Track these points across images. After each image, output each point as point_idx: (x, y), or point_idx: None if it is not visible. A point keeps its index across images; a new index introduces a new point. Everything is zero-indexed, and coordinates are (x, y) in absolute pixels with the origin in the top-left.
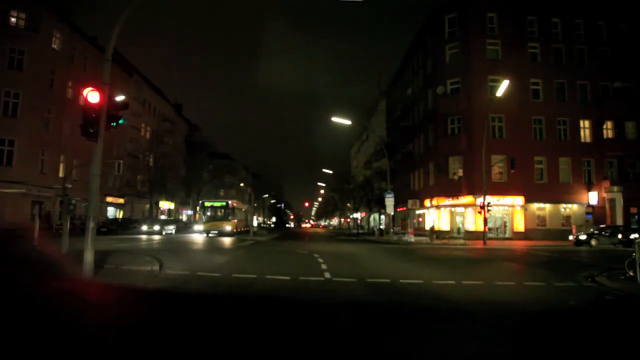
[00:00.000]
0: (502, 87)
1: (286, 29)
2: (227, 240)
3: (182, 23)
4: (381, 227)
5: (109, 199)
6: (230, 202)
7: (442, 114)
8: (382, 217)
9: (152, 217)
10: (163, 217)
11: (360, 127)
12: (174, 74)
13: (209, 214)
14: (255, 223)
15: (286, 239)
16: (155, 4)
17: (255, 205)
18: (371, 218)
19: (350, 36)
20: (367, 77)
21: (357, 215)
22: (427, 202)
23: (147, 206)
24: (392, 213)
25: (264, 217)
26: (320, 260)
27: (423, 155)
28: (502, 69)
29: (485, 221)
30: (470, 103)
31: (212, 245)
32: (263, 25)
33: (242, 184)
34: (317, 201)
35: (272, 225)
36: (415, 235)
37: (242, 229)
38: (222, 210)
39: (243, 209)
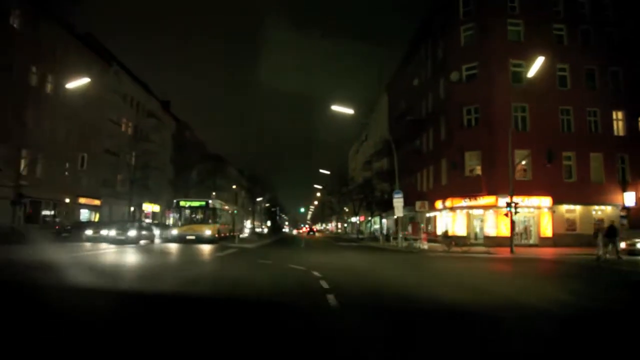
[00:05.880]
0: (536, 66)
1: (284, 26)
2: (204, 249)
3: (180, 23)
4: (385, 232)
5: (82, 200)
6: (210, 201)
7: (457, 103)
8: (384, 221)
9: (110, 220)
10: (148, 220)
11: (362, 122)
12: (173, 75)
13: (185, 215)
14: (248, 227)
15: (278, 246)
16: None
17: (250, 209)
18: (371, 222)
19: (350, 34)
20: (367, 76)
21: (356, 219)
22: (438, 204)
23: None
24: (402, 215)
25: (260, 222)
26: (325, 285)
27: (433, 151)
28: (525, 52)
29: (513, 225)
30: (490, 90)
31: (176, 256)
32: (262, 22)
33: (234, 186)
34: (312, 205)
35: (266, 230)
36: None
37: (228, 234)
38: (201, 212)
39: (229, 211)
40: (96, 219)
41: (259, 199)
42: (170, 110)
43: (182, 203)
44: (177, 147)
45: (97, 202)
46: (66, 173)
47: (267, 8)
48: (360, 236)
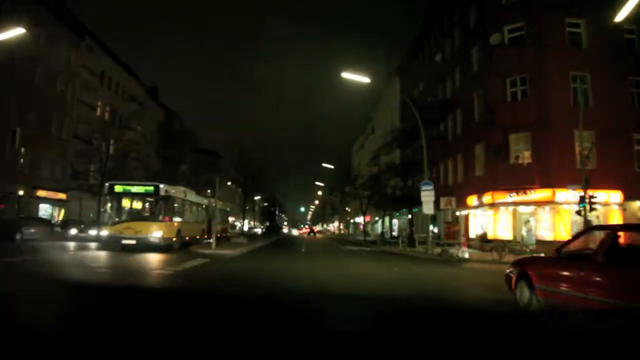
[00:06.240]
0: (630, 5)
1: (284, 27)
2: (147, 261)
3: (179, 24)
4: (408, 233)
5: (42, 193)
6: (162, 186)
7: (499, 71)
8: (395, 221)
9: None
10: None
11: (378, 84)
12: (173, 75)
13: (123, 207)
14: (246, 227)
15: (271, 252)
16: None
17: (247, 207)
18: (382, 222)
19: (351, 34)
20: (370, 71)
21: (361, 219)
22: (471, 200)
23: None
24: (432, 212)
25: (254, 221)
26: None
27: (463, 136)
28: (584, 8)
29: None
30: (541, 56)
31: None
32: (262, 22)
33: (229, 183)
34: (313, 205)
35: (263, 230)
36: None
37: (200, 236)
38: (148, 201)
39: (203, 205)
40: (60, 217)
41: (256, 198)
42: (158, 99)
43: (117, 188)
44: (165, 138)
45: (62, 195)
46: (21, 160)
47: (267, 8)
48: (368, 238)
